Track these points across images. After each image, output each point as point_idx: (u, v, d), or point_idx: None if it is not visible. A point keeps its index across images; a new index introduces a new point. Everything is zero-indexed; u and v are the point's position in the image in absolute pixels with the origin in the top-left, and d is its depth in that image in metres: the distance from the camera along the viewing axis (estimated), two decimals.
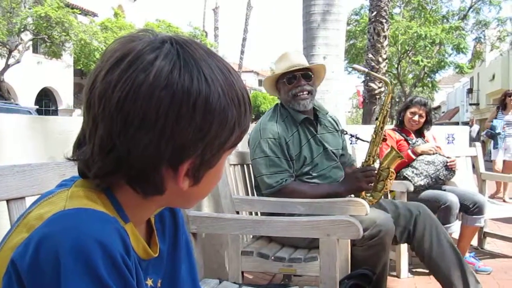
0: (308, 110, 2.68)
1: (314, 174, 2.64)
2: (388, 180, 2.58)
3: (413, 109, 3.71)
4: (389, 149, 2.66)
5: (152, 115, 0.66)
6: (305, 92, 2.63)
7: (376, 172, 2.58)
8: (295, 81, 2.64)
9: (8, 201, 1.17)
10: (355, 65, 3.11)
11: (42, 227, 0.65)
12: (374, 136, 2.65)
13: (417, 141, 3.69)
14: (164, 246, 0.86)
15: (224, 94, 0.70)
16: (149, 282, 0.81)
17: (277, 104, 2.79)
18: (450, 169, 3.55)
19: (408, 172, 3.52)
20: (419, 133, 3.80)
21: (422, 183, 3.48)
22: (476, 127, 18.59)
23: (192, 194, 0.77)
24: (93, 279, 0.61)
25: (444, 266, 2.57)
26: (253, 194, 2.76)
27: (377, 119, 2.68)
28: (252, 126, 2.72)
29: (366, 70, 3.05)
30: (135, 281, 0.68)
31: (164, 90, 0.66)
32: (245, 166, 2.77)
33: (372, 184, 2.56)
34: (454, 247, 2.62)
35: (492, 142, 7.63)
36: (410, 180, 3.45)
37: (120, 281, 0.63)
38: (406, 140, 3.70)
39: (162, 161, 0.69)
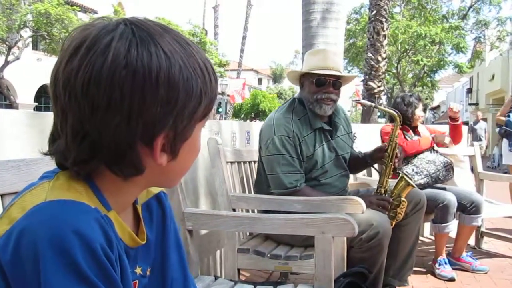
0: (326, 115, 2.61)
1: (322, 181, 2.59)
2: (400, 208, 2.54)
3: (420, 106, 3.72)
4: (399, 178, 2.60)
5: (117, 96, 0.67)
6: (330, 101, 2.54)
7: (390, 202, 2.53)
8: (324, 87, 2.53)
9: (2, 196, 1.17)
10: (361, 100, 2.88)
11: (23, 219, 0.65)
12: (384, 168, 2.58)
13: (413, 138, 3.70)
14: (152, 234, 0.87)
15: (186, 65, 0.71)
16: (138, 270, 0.81)
17: (294, 99, 2.69)
18: (449, 170, 3.56)
19: (408, 169, 3.51)
20: (414, 129, 3.80)
21: (422, 181, 3.48)
22: (483, 124, 15.57)
23: (172, 170, 0.77)
24: (72, 270, 0.61)
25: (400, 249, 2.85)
26: (249, 192, 2.75)
27: (386, 151, 2.59)
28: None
29: (373, 104, 2.81)
30: (119, 269, 0.68)
31: (125, 70, 0.67)
32: (242, 163, 2.76)
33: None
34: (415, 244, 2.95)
35: (506, 142, 5.85)
36: (410, 178, 3.45)
37: (100, 271, 0.63)
38: (405, 136, 3.70)
39: (135, 139, 0.69)
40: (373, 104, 2.74)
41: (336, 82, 2.57)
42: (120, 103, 0.67)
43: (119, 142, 0.69)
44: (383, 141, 3.61)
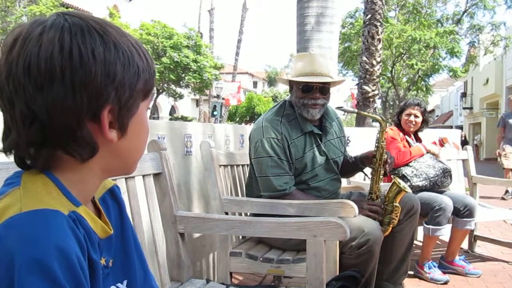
0: (315, 119, 2.60)
1: (312, 185, 2.57)
2: (394, 214, 2.52)
3: (408, 111, 3.70)
4: (391, 183, 2.58)
5: (57, 70, 0.70)
6: (317, 106, 2.54)
7: (381, 207, 2.52)
8: (310, 93, 2.53)
9: None
10: (344, 107, 2.90)
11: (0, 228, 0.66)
12: (373, 174, 2.56)
13: (414, 143, 3.70)
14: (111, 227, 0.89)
15: (119, 42, 0.75)
16: (103, 261, 0.82)
17: (285, 101, 2.70)
18: (447, 176, 3.57)
19: (407, 171, 3.51)
20: (415, 137, 3.79)
21: (420, 184, 3.49)
22: None
23: (125, 150, 0.80)
24: (49, 283, 0.62)
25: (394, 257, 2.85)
26: (242, 195, 2.75)
27: (374, 156, 2.58)
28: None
29: (356, 111, 2.86)
30: (91, 270, 0.71)
31: (61, 53, 0.70)
32: (235, 166, 2.76)
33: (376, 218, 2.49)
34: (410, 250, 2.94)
35: None
36: (409, 180, 3.46)
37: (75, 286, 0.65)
38: (407, 141, 3.70)
39: (82, 113, 0.72)
40: (356, 111, 2.76)
41: (323, 87, 2.55)
42: (62, 77, 0.70)
43: (67, 120, 0.71)
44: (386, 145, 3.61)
